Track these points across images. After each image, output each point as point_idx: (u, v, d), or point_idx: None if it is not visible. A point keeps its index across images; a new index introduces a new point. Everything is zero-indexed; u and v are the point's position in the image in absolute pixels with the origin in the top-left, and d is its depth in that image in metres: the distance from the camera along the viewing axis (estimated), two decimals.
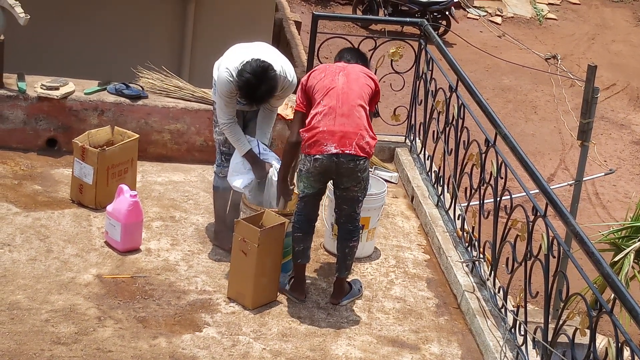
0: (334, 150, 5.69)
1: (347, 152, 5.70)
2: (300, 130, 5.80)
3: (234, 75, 5.92)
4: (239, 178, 6.15)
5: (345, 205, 5.95)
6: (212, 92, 6.33)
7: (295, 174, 6.05)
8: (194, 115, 7.53)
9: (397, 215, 7.32)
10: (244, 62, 5.87)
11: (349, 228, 5.98)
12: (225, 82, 5.98)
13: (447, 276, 6.52)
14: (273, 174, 6.17)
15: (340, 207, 5.98)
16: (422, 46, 7.96)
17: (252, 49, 6.05)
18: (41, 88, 7.40)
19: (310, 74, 5.94)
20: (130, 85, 7.65)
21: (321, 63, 6.39)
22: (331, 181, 5.94)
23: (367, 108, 5.86)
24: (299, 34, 12.15)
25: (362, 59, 6.23)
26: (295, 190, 6.11)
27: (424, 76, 7.82)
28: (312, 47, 8.00)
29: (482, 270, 6.32)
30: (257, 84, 5.80)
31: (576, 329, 5.07)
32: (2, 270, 5.87)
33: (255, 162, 6.16)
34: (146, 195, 7.00)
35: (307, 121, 5.79)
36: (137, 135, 6.93)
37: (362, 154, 5.74)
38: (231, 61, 6.01)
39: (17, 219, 6.46)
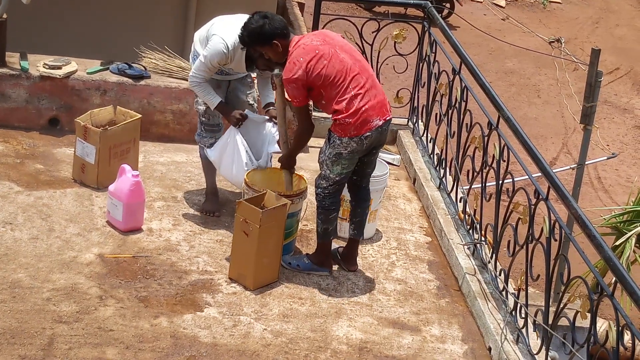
0: (380, 122, 5.82)
1: (387, 118, 5.90)
2: (341, 117, 5.72)
3: (230, 47, 6.04)
4: (241, 165, 6.24)
5: (369, 170, 6.13)
6: (192, 62, 6.42)
7: (328, 160, 5.94)
8: (194, 96, 7.51)
9: (399, 198, 7.32)
10: (248, 19, 5.89)
11: (368, 189, 6.20)
12: (219, 52, 6.08)
13: (448, 258, 6.52)
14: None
15: (365, 173, 6.12)
16: (426, 28, 7.95)
17: (241, 18, 6.06)
18: (44, 67, 7.39)
19: (307, 66, 5.66)
20: (132, 65, 7.64)
21: None
22: None
23: None
24: (302, 16, 12.09)
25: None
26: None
27: (427, 59, 7.81)
28: (316, 28, 7.98)
29: (484, 253, 6.33)
30: (271, 17, 5.85)
31: (577, 312, 5.08)
32: (4, 248, 5.88)
33: (227, 111, 6.33)
34: (148, 175, 7.00)
35: (343, 107, 5.71)
36: (140, 115, 6.93)
37: (391, 114, 5.97)
38: (227, 33, 6.08)
39: (19, 198, 6.46)
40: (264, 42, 5.80)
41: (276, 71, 5.94)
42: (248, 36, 5.82)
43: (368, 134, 5.78)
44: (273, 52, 5.82)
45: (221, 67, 6.23)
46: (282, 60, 5.82)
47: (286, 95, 5.95)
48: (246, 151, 6.25)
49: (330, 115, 5.83)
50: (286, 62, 5.76)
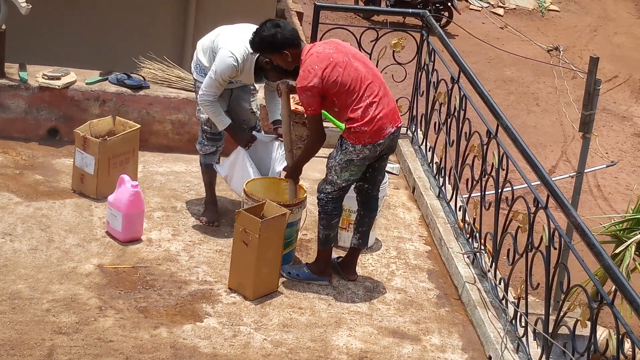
0: (392, 129, 5.85)
1: (399, 124, 5.93)
2: (356, 126, 5.72)
3: (239, 60, 6.03)
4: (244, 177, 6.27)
5: (380, 176, 6.15)
6: (195, 70, 6.38)
7: (337, 166, 5.91)
8: (195, 105, 7.50)
9: (398, 207, 7.32)
10: (260, 26, 5.88)
11: (377, 198, 6.21)
12: (229, 66, 6.06)
13: (448, 267, 6.52)
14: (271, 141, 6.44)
15: (376, 180, 6.13)
16: (424, 37, 7.96)
17: (249, 28, 6.05)
18: (43, 78, 7.40)
19: (322, 73, 5.64)
20: (131, 75, 7.64)
21: None
22: None
23: None
24: (301, 25, 12.13)
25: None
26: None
27: (425, 67, 7.81)
28: (314, 38, 7.99)
29: (483, 262, 6.32)
30: (283, 26, 5.84)
31: (577, 321, 5.07)
32: (4, 259, 5.88)
33: (236, 133, 6.36)
34: (147, 186, 7.00)
35: (358, 116, 5.71)
36: (139, 126, 6.93)
37: (402, 121, 6.02)
38: (234, 45, 6.06)
39: (18, 209, 6.46)
40: (275, 50, 5.82)
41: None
42: (259, 42, 5.84)
43: (381, 141, 5.80)
44: (282, 60, 5.84)
45: (230, 79, 6.21)
46: (290, 68, 5.85)
47: (292, 105, 5.96)
48: (253, 173, 6.28)
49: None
50: (296, 70, 5.78)
